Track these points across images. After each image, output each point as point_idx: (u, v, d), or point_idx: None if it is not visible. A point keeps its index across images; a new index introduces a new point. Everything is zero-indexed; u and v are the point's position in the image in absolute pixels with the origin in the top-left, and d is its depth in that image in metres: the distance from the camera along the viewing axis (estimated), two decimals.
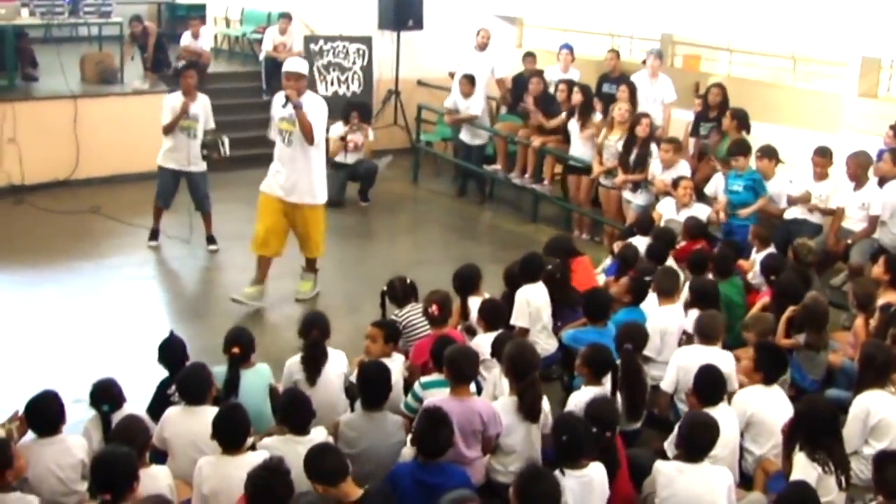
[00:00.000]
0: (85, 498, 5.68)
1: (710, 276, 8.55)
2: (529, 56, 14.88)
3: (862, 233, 9.77)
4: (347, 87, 15.09)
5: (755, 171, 10.44)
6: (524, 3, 16.73)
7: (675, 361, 7.24)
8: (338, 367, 6.92)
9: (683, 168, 11.01)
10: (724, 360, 7.00)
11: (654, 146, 11.35)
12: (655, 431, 7.18)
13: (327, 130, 13.48)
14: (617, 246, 9.88)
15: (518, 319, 7.93)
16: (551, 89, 13.47)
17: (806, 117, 12.71)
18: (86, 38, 16.85)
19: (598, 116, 12.25)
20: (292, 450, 5.53)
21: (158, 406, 6.53)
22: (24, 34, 14.42)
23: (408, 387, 7.06)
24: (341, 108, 13.72)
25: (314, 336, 6.91)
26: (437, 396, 6.30)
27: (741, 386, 6.94)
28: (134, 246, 11.32)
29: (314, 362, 6.85)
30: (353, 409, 6.62)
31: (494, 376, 6.93)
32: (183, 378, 6.32)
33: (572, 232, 12.40)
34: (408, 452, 5.97)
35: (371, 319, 7.62)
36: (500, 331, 7.40)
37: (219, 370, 6.68)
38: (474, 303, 8.02)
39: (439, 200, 14.03)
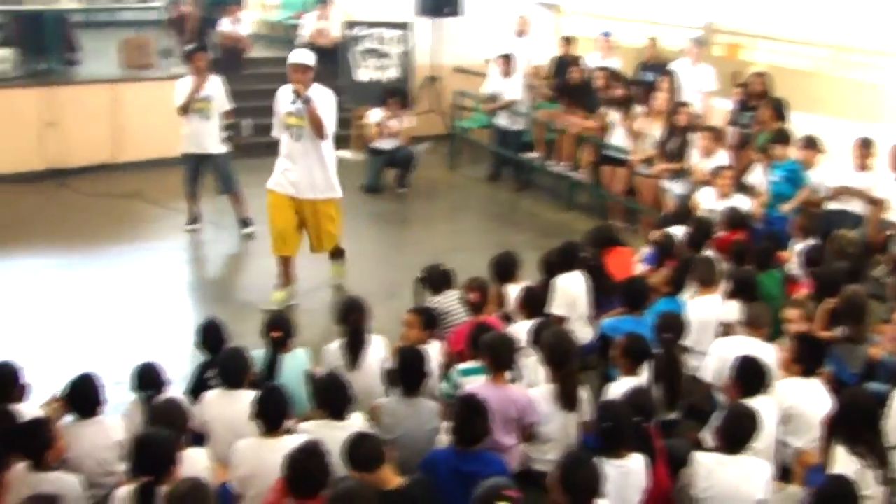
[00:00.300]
0: (124, 479, 5.72)
1: (750, 267, 8.49)
2: (567, 40, 14.81)
3: None
4: (386, 74, 15.06)
5: (794, 162, 10.35)
6: None
7: (716, 352, 7.20)
8: (377, 353, 6.94)
9: (723, 157, 10.93)
10: (766, 351, 6.95)
11: (693, 135, 11.28)
12: (693, 422, 7.14)
13: (361, 118, 13.59)
14: (654, 235, 9.82)
15: (555, 308, 7.91)
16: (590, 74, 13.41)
17: (847, 107, 12.56)
18: (126, 22, 16.92)
19: (638, 108, 12.17)
20: (330, 434, 5.55)
21: (197, 389, 6.59)
22: (65, 19, 14.51)
23: (445, 373, 7.07)
24: (379, 95, 13.72)
25: (354, 321, 6.92)
26: (475, 384, 6.30)
27: (780, 378, 6.89)
28: (173, 230, 11.39)
29: (355, 348, 6.87)
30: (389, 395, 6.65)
31: (532, 364, 6.92)
32: (222, 361, 6.36)
33: (608, 220, 12.35)
34: (444, 440, 5.99)
35: (408, 306, 7.65)
36: (538, 319, 7.40)
37: (257, 354, 6.72)
38: (512, 290, 8.01)
39: (477, 187, 14.01)
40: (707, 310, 7.82)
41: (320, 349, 7.08)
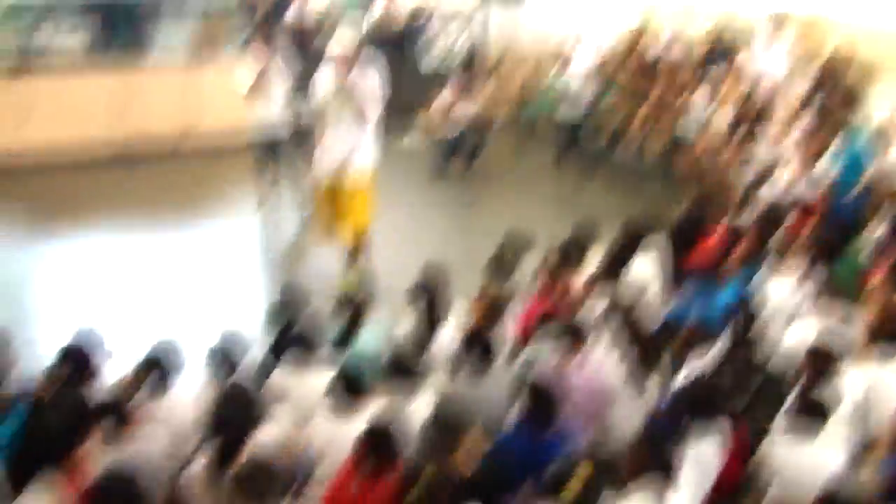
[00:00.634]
0: (197, 453, 5.79)
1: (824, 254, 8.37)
2: (636, 27, 14.68)
3: None
4: (453, 59, 15.03)
5: (861, 144, 10.16)
6: None
7: (789, 336, 7.12)
8: (448, 331, 6.94)
9: (795, 142, 10.78)
10: (840, 335, 6.85)
11: (764, 120, 11.15)
12: (765, 406, 7.07)
13: (427, 104, 13.61)
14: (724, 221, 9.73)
15: (630, 290, 7.84)
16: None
17: None
18: (198, 7, 17.03)
19: (705, 90, 12.06)
20: (401, 410, 5.58)
21: (270, 363, 6.63)
22: (137, 4, 14.65)
23: (513, 354, 7.07)
24: (446, 81, 13.71)
25: (430, 298, 6.93)
26: (547, 367, 6.29)
27: (855, 362, 6.80)
28: (244, 212, 11.48)
29: (430, 324, 6.88)
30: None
31: (602, 347, 6.89)
32: (293, 338, 6.39)
33: (679, 203, 12.24)
34: (515, 421, 5.98)
35: (473, 291, 7.63)
36: (608, 300, 7.37)
37: (331, 329, 6.79)
38: (580, 274, 7.98)
39: (542, 173, 13.94)
40: (779, 294, 7.73)
41: (392, 326, 7.12)
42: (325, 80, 9.08)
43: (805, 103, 11.88)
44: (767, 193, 10.21)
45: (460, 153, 13.51)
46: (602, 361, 6.86)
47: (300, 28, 15.32)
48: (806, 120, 11.63)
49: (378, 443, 5.04)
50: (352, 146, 9.06)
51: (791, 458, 5.60)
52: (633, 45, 14.21)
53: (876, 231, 8.99)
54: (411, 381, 5.98)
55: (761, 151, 10.95)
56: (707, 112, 11.80)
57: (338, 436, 5.51)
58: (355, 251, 9.60)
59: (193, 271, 9.69)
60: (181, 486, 5.21)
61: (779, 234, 8.89)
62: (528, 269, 7.95)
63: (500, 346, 6.67)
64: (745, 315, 6.93)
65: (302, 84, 10.90)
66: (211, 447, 5.11)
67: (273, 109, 11.09)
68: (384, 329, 7.04)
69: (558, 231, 10.12)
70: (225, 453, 5.01)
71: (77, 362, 6.06)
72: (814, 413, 5.68)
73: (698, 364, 6.56)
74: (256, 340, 7.22)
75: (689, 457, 5.39)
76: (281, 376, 6.34)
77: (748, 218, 9.29)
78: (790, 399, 6.12)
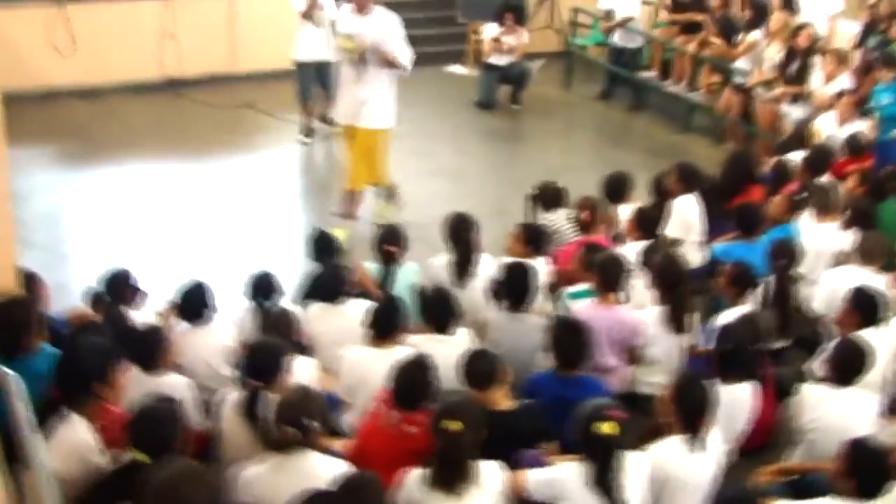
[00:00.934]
0: (233, 384, 5.85)
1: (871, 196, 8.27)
2: None
3: None
4: None
5: None
6: None
7: (827, 281, 7.07)
8: (485, 270, 6.90)
9: (845, 82, 10.59)
10: (880, 283, 6.79)
11: (816, 58, 10.96)
12: (801, 351, 7.05)
13: (477, 33, 13.47)
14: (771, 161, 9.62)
15: (672, 230, 7.81)
16: None
17: None
18: None
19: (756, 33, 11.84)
20: (436, 348, 5.61)
21: (307, 297, 6.66)
22: None
23: (551, 292, 7.07)
24: (496, 10, 13.56)
25: (465, 237, 6.94)
26: (583, 306, 6.29)
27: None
28: (286, 140, 11.49)
29: (466, 264, 6.89)
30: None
31: (640, 286, 6.87)
32: (320, 278, 6.44)
33: (725, 143, 12.13)
34: (545, 361, 5.98)
35: (517, 222, 7.61)
36: (648, 240, 7.34)
37: (369, 265, 6.82)
38: (623, 210, 7.94)
39: (590, 106, 13.82)
40: (823, 238, 7.65)
41: (427, 263, 7.11)
42: (343, 14, 8.73)
43: (860, 41, 11.67)
44: (817, 132, 10.05)
45: (508, 83, 13.39)
46: (640, 298, 6.87)
47: None
48: (859, 59, 11.44)
49: (412, 378, 5.07)
50: (363, 99, 8.60)
51: (826, 404, 5.56)
52: None
53: None
54: (447, 317, 6.00)
55: (813, 88, 10.76)
56: (759, 47, 11.57)
57: (373, 368, 5.55)
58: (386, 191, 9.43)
59: (233, 200, 9.70)
60: (216, 417, 5.27)
61: (827, 174, 8.79)
62: (572, 203, 7.88)
63: (539, 280, 6.66)
64: (787, 258, 6.88)
65: None
66: (249, 375, 5.14)
67: (320, 36, 10.94)
68: (418, 266, 7.03)
69: (604, 164, 10.11)
70: (264, 381, 5.04)
71: (115, 294, 6.12)
72: (853, 359, 5.64)
73: (739, 306, 6.52)
74: (297, 268, 7.27)
75: (725, 397, 5.38)
76: (315, 310, 6.38)
77: (796, 157, 9.16)
78: (830, 344, 6.09)
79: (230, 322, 6.35)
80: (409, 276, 6.91)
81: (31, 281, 5.55)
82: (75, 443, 4.46)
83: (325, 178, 10.68)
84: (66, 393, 4.53)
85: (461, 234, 6.95)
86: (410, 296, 6.70)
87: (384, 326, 5.73)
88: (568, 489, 4.62)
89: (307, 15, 10.73)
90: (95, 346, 4.70)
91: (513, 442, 5.08)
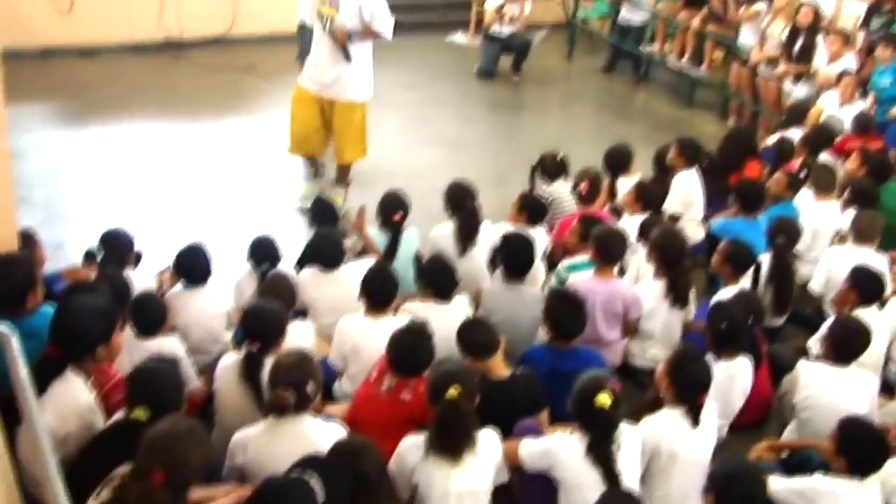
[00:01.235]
0: (230, 347, 5.86)
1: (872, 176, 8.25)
2: None
3: None
4: None
5: None
6: None
7: (826, 260, 7.07)
8: (486, 239, 6.89)
9: (849, 62, 10.56)
10: (877, 262, 6.79)
11: (820, 37, 10.92)
12: (798, 328, 7.07)
13: (480, 2, 13.37)
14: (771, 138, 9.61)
15: (672, 205, 7.80)
16: None
17: None
18: None
19: (761, 4, 11.80)
20: (434, 316, 5.60)
21: (304, 263, 6.62)
22: None
23: (548, 262, 7.07)
24: None
25: (470, 206, 6.92)
26: (581, 278, 6.28)
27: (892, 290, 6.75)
28: (285, 104, 11.41)
29: (469, 233, 6.86)
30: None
31: (639, 260, 6.87)
32: (314, 244, 6.43)
33: (727, 119, 12.12)
34: (543, 334, 5.98)
35: (518, 192, 7.60)
36: (647, 214, 7.33)
37: (373, 232, 6.81)
38: (623, 183, 7.93)
39: (593, 78, 13.77)
40: (821, 217, 7.65)
41: (424, 231, 7.11)
42: None
43: (865, 21, 11.63)
44: (819, 110, 10.04)
45: (510, 53, 13.32)
46: (637, 271, 6.87)
47: None
48: (863, 39, 11.41)
49: (411, 345, 5.07)
50: (340, 70, 8.22)
51: (823, 382, 5.58)
52: None
53: None
54: (446, 285, 6.00)
55: (817, 67, 10.73)
56: (763, 25, 11.53)
57: (371, 335, 5.55)
58: (341, 173, 8.95)
59: (231, 164, 9.66)
60: (213, 379, 5.26)
61: (827, 153, 8.79)
62: (574, 174, 7.86)
63: (538, 251, 6.65)
64: (786, 236, 6.87)
65: None
66: (247, 338, 5.14)
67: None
68: (417, 234, 7.02)
69: (605, 137, 10.09)
70: (262, 344, 5.04)
71: (113, 254, 6.08)
72: (851, 338, 5.64)
73: (734, 284, 6.52)
74: (292, 235, 7.25)
75: (719, 373, 5.39)
76: (309, 275, 6.36)
77: (797, 135, 9.16)
78: (828, 322, 6.10)
79: (227, 285, 6.34)
80: (410, 243, 6.90)
81: (27, 240, 5.52)
82: (72, 401, 4.45)
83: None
84: (65, 352, 4.52)
85: (463, 202, 6.94)
86: (409, 263, 6.72)
87: (378, 297, 5.72)
88: (562, 459, 4.63)
89: None
90: (96, 306, 4.68)
91: (508, 409, 5.09)
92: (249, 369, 4.97)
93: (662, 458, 4.91)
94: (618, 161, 8.14)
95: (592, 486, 4.52)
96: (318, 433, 4.49)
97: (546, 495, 4.73)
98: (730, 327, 5.54)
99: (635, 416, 5.03)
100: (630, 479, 4.64)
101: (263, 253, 6.25)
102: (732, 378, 5.57)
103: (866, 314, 5.99)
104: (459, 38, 14.62)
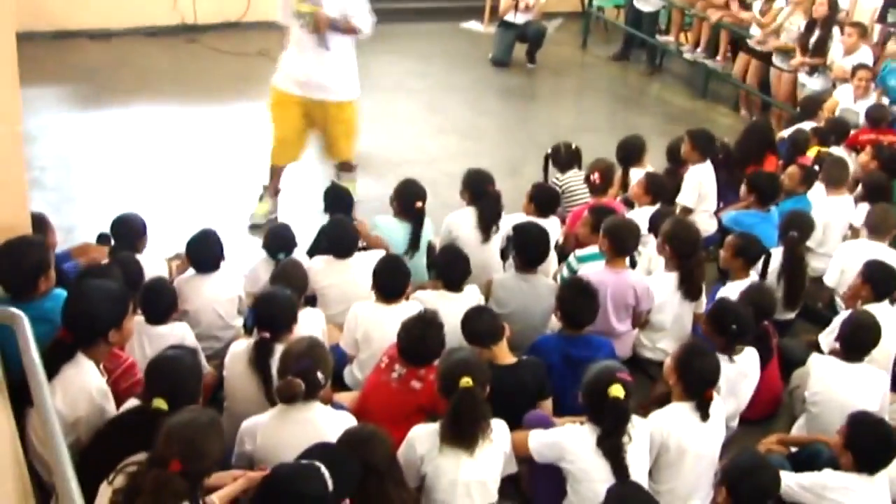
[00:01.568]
0: (240, 333, 5.86)
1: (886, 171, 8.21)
2: None
3: None
4: None
5: None
6: None
7: (839, 255, 7.05)
8: (501, 230, 6.88)
9: (865, 55, 10.51)
10: (891, 257, 6.76)
11: (836, 30, 10.87)
12: (808, 323, 7.05)
13: None
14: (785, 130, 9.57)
15: (686, 199, 7.76)
16: None
17: None
18: None
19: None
20: (445, 305, 5.60)
21: (317, 250, 6.63)
22: None
23: (561, 252, 7.05)
24: None
25: (493, 192, 6.91)
26: (593, 269, 6.26)
27: None
28: None
29: (492, 219, 6.84)
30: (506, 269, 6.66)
31: (649, 251, 6.85)
32: (328, 232, 6.41)
33: (739, 111, 12.09)
34: (556, 322, 5.98)
35: (531, 182, 7.59)
36: (658, 205, 7.31)
37: (381, 220, 6.79)
38: (636, 174, 7.90)
39: (607, 68, 13.74)
40: (833, 211, 7.62)
41: (437, 220, 7.07)
42: None
43: (881, 15, 11.56)
44: (834, 103, 10.00)
45: (525, 41, 13.28)
46: (648, 263, 6.85)
47: None
48: (879, 32, 11.35)
49: (421, 334, 5.06)
50: (326, 55, 7.75)
51: (834, 377, 5.56)
52: None
53: None
54: (459, 274, 5.99)
55: (832, 60, 10.69)
56: (780, 17, 11.48)
57: (382, 323, 5.55)
58: (343, 165, 8.58)
59: (247, 147, 9.63)
60: (223, 366, 5.27)
61: (842, 147, 8.75)
62: (587, 165, 7.85)
63: (552, 241, 6.63)
64: (799, 230, 6.84)
65: None
66: (259, 325, 5.14)
67: None
68: (431, 224, 6.98)
69: (618, 127, 10.06)
70: (274, 332, 5.04)
71: (125, 238, 6.09)
72: (864, 334, 5.62)
73: (738, 283, 6.49)
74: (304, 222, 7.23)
75: (727, 367, 5.38)
76: (321, 263, 6.34)
77: (811, 126, 9.13)
78: (840, 317, 6.08)
79: (238, 270, 6.34)
80: (426, 232, 6.88)
81: (39, 223, 5.52)
82: (84, 385, 4.45)
83: None
84: (77, 336, 4.52)
85: (484, 189, 6.92)
86: (422, 251, 6.72)
87: (390, 289, 5.72)
88: (571, 451, 4.63)
89: None
90: (108, 291, 4.68)
91: (515, 395, 5.10)
92: (260, 356, 4.97)
93: (671, 452, 4.91)
94: (630, 152, 8.10)
95: (601, 478, 4.52)
96: (328, 422, 4.49)
97: (554, 487, 4.73)
98: (738, 328, 5.51)
99: (644, 411, 5.02)
100: (638, 472, 4.64)
101: (280, 242, 6.26)
102: (741, 372, 5.55)
103: (878, 310, 5.95)
104: (474, 25, 14.59)
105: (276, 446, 4.42)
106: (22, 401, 4.19)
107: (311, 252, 6.62)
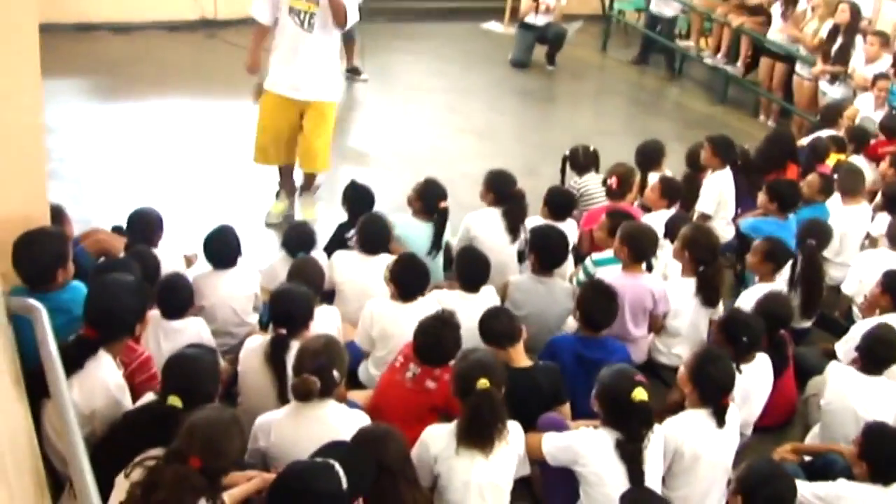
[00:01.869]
0: (255, 329, 5.86)
1: None
2: None
3: None
4: None
5: None
6: None
7: (858, 265, 7.01)
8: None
9: (887, 64, 10.47)
10: None
11: (859, 38, 10.83)
12: (824, 332, 7.01)
13: None
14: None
15: (705, 206, 7.76)
16: None
17: None
18: None
19: (802, 3, 11.71)
20: (462, 306, 5.59)
21: (335, 247, 6.62)
22: None
23: (576, 255, 7.04)
24: None
25: (518, 192, 6.91)
26: (609, 273, 6.25)
27: None
28: None
29: (519, 218, 6.84)
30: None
31: (665, 256, 6.83)
32: (362, 227, 6.37)
33: (758, 117, 12.06)
34: (571, 324, 5.98)
35: (548, 184, 7.58)
36: (673, 210, 7.29)
37: (400, 219, 6.80)
38: (654, 179, 7.88)
39: (626, 71, 13.72)
40: (850, 221, 7.58)
41: (454, 220, 7.02)
42: None
43: None
44: (854, 112, 9.96)
45: (545, 43, 13.26)
46: (663, 268, 6.83)
47: None
48: None
49: (438, 334, 5.06)
50: (320, 54, 7.60)
51: (852, 388, 5.51)
52: None
53: None
54: (477, 275, 5.99)
55: (854, 68, 10.65)
56: (802, 24, 11.45)
57: (399, 321, 5.55)
58: (308, 179, 8.31)
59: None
60: (238, 362, 5.27)
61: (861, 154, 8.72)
62: (604, 168, 7.83)
63: (569, 244, 6.63)
64: (818, 239, 6.80)
65: None
66: (275, 323, 5.14)
67: None
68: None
69: (636, 131, 10.04)
70: (290, 329, 5.05)
71: (142, 233, 6.08)
72: (884, 348, 5.54)
73: (769, 282, 6.48)
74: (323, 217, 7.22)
75: (743, 376, 5.35)
76: (344, 258, 6.35)
77: (830, 135, 9.09)
78: (856, 326, 6.04)
79: (255, 266, 6.34)
80: (446, 233, 6.87)
81: (57, 214, 5.52)
82: (102, 378, 4.45)
83: (360, 123, 10.62)
84: (102, 333, 4.52)
85: (509, 189, 6.92)
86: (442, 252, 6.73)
87: (409, 289, 5.70)
88: (585, 455, 4.61)
89: None
90: (130, 286, 4.69)
91: (530, 398, 5.09)
92: (276, 353, 4.97)
93: (685, 458, 4.88)
94: (649, 157, 8.08)
95: (615, 482, 4.51)
96: (342, 420, 4.49)
97: (567, 490, 4.72)
98: (749, 340, 5.49)
99: (658, 417, 5.00)
100: (652, 478, 4.63)
101: (299, 240, 6.26)
102: (753, 379, 5.52)
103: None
104: (494, 26, 14.59)
105: (290, 443, 4.42)
106: (38, 392, 4.20)
107: (329, 249, 6.61)
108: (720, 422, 4.91)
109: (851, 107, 10.09)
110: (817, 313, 6.91)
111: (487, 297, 5.93)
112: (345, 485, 3.72)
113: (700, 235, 6.32)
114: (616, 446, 4.56)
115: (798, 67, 11.42)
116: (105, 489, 3.75)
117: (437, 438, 4.56)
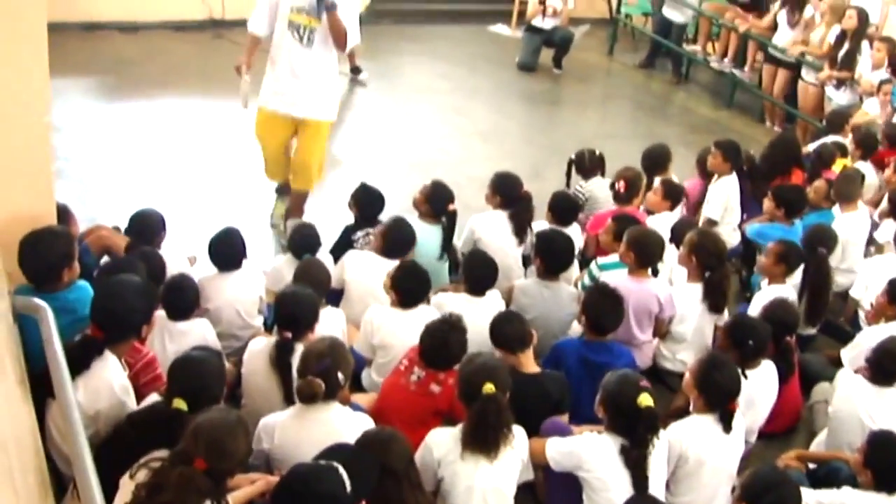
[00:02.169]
0: (260, 331, 5.85)
1: None
2: None
3: None
4: None
5: None
6: None
7: (865, 272, 6.99)
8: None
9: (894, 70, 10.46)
10: None
11: (866, 44, 10.81)
12: (829, 338, 7.00)
13: None
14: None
15: (712, 212, 7.76)
16: None
17: None
18: None
19: (809, 9, 11.69)
20: (467, 309, 5.58)
21: (341, 249, 6.61)
22: None
23: (582, 257, 7.03)
24: None
25: (525, 194, 6.90)
26: (615, 277, 6.24)
27: None
28: None
29: (526, 220, 6.84)
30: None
31: (671, 261, 6.82)
32: (387, 231, 6.33)
33: (764, 122, 12.05)
34: (576, 330, 5.97)
35: (553, 187, 7.57)
36: (675, 212, 7.28)
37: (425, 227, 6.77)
38: (658, 183, 7.87)
39: (633, 75, 13.70)
40: (850, 228, 7.53)
41: (473, 220, 7.01)
42: None
43: None
44: (860, 118, 9.94)
45: (551, 47, 13.25)
46: (668, 273, 6.82)
47: None
48: None
49: (445, 338, 5.05)
50: (318, 72, 7.38)
51: (861, 397, 5.48)
52: None
53: None
54: (484, 279, 5.98)
55: (860, 74, 10.63)
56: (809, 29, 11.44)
57: (402, 326, 5.54)
58: (297, 201, 7.86)
59: None
60: (242, 364, 5.26)
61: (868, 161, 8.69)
62: (608, 173, 7.83)
63: (573, 247, 6.61)
64: (825, 245, 6.79)
65: None
66: (280, 325, 5.14)
67: None
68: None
69: (642, 135, 10.02)
70: (295, 332, 5.04)
71: (146, 234, 6.07)
72: (891, 362, 5.50)
73: (775, 287, 6.46)
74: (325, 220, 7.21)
75: (752, 380, 5.35)
76: (355, 258, 6.34)
77: (836, 141, 9.07)
78: (862, 334, 6.03)
79: (261, 268, 6.33)
80: (441, 234, 6.83)
81: (62, 213, 5.51)
82: (107, 379, 4.45)
83: (365, 124, 10.61)
84: (110, 334, 4.52)
85: (516, 191, 6.92)
86: (442, 254, 6.71)
87: (410, 296, 5.69)
88: (588, 460, 4.61)
89: None
90: (137, 287, 4.69)
91: (537, 404, 5.08)
92: (281, 355, 4.96)
93: (689, 464, 4.88)
94: (655, 161, 8.06)
95: (619, 488, 4.51)
96: (346, 422, 4.49)
97: (571, 495, 4.71)
98: (755, 345, 5.48)
99: (662, 423, 4.99)
100: (656, 484, 4.62)
101: (304, 242, 6.25)
102: (759, 386, 5.51)
103: None
104: (501, 29, 14.58)
105: (294, 445, 4.42)
106: (42, 391, 4.20)
107: (335, 251, 6.60)
108: (727, 427, 4.90)
109: (859, 112, 10.05)
110: (823, 320, 6.90)
111: (493, 301, 5.93)
112: (348, 488, 3.71)
113: (707, 241, 6.31)
114: (620, 452, 4.56)
115: (804, 73, 11.38)
116: (109, 490, 3.74)
117: (442, 442, 4.56)
